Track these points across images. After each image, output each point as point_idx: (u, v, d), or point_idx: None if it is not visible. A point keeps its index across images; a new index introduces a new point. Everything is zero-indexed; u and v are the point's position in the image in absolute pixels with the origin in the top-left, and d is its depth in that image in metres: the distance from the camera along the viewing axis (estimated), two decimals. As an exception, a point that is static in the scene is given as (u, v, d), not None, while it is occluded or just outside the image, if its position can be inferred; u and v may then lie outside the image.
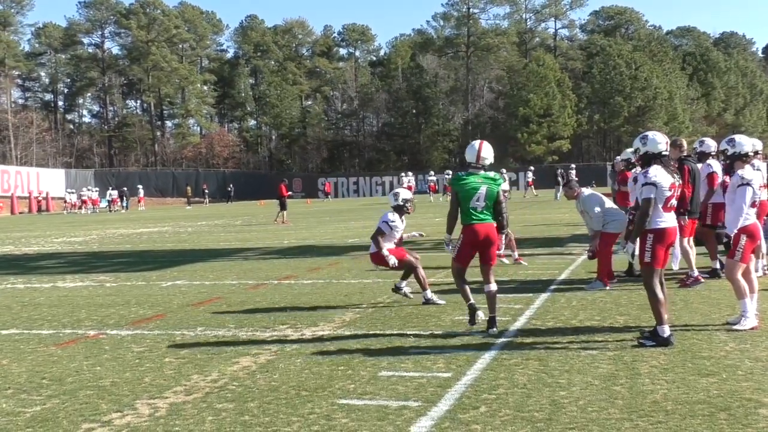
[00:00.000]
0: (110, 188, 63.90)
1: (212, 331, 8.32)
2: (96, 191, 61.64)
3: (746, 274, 7.55)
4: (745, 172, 7.57)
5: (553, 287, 10.49)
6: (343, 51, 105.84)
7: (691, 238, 10.61)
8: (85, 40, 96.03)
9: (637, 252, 6.94)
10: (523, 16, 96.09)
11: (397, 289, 9.57)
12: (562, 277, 11.51)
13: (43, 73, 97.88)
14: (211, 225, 31.36)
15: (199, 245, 20.95)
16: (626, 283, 10.54)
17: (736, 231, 7.46)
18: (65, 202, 59.44)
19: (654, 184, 6.83)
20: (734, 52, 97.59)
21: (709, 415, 4.91)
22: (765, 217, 11.58)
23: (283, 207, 30.18)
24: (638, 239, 6.89)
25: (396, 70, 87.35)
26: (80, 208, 57.86)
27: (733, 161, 7.70)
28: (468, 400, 5.43)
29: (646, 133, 7.23)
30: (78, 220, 44.19)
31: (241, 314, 9.34)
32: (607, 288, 10.15)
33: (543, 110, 76.84)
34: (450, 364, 6.45)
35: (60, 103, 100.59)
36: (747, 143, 7.72)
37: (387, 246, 9.38)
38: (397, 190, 9.97)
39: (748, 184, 7.47)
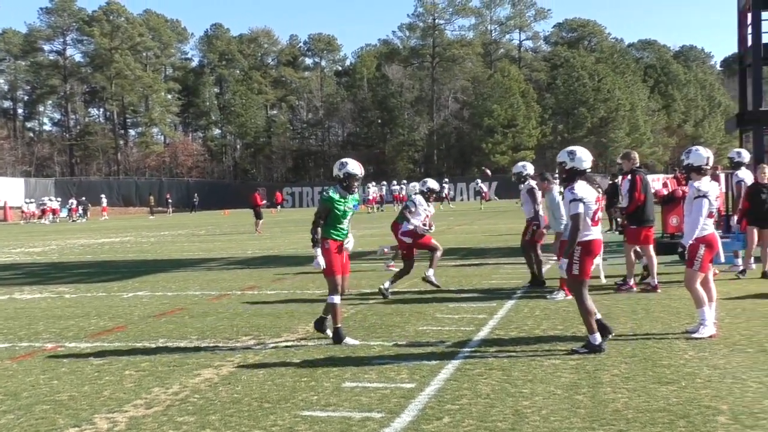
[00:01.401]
0: (71, 198, 62.98)
1: (174, 343, 8.22)
2: (58, 201, 60.64)
3: (705, 283, 7.66)
4: (702, 183, 7.68)
5: (516, 296, 10.55)
6: (308, 60, 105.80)
7: (651, 246, 10.84)
8: (46, 47, 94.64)
9: (566, 267, 7.05)
10: (488, 27, 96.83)
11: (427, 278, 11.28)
12: (526, 286, 11.57)
13: (2, 80, 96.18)
14: (175, 235, 31.06)
15: (161, 255, 20.72)
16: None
17: (693, 241, 7.56)
18: (22, 212, 58.47)
19: (581, 200, 7.01)
20: (693, 65, 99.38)
21: (668, 423, 4.96)
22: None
23: (258, 216, 29.98)
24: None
25: (361, 80, 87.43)
26: (40, 217, 56.93)
27: (689, 172, 7.81)
28: (431, 410, 5.43)
29: (574, 149, 7.33)
30: (37, 230, 43.48)
31: (204, 325, 9.24)
32: (569, 297, 10.22)
33: (507, 121, 77.42)
34: (414, 374, 6.45)
35: (19, 111, 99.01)
36: (704, 155, 7.82)
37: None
38: (425, 180, 12.21)
39: (704, 195, 7.58)
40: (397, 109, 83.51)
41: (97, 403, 5.97)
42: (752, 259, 12.33)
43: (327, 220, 7.87)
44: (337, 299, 7.83)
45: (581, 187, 7.07)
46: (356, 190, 8.08)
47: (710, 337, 7.39)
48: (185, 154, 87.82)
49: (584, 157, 7.21)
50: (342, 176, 7.96)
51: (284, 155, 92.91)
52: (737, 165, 12.56)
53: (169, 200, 64.90)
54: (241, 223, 38.75)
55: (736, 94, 34.32)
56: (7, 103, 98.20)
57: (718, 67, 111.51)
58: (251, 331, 8.77)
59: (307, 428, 5.15)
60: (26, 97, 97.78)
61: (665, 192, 16.45)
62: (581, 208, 6.98)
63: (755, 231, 11.70)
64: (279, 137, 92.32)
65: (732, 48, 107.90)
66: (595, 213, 7.10)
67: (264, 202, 32.87)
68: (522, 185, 11.97)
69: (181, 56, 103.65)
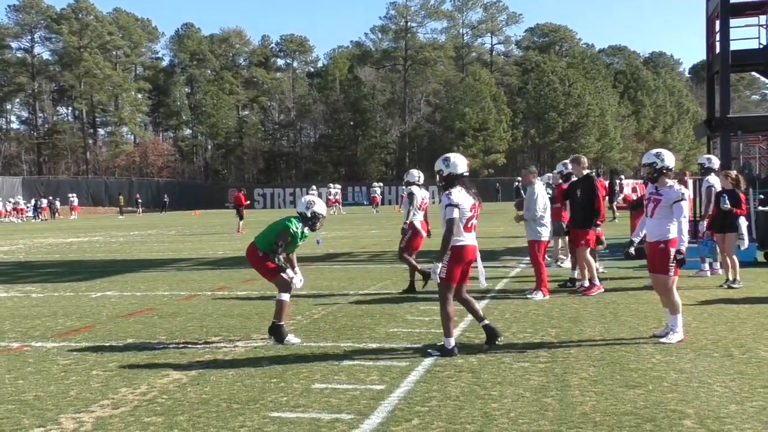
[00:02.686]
0: (39, 197, 62.09)
1: (142, 343, 8.15)
2: (26, 203, 59.63)
3: (673, 288, 7.74)
4: (681, 186, 7.77)
5: (487, 299, 10.59)
6: (280, 61, 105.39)
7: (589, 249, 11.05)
8: (14, 45, 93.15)
9: (439, 271, 7.07)
10: (460, 31, 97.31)
11: None
12: (496, 288, 11.63)
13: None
14: (144, 235, 30.78)
15: (131, 255, 20.52)
16: (559, 296, 10.72)
17: (663, 246, 7.61)
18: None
19: (456, 206, 7.11)
20: (662, 71, 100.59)
21: (635, 426, 5.01)
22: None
23: (240, 216, 29.80)
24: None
25: (334, 81, 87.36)
26: (6, 216, 56.08)
27: (659, 175, 7.87)
28: (401, 412, 5.43)
29: (449, 155, 7.48)
30: (3, 228, 42.86)
31: (173, 326, 9.17)
32: (546, 297, 10.39)
33: (479, 124, 77.79)
34: (384, 376, 6.45)
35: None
36: (671, 158, 7.92)
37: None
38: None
39: (684, 198, 7.65)
40: (369, 111, 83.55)
41: (63, 403, 5.90)
42: (719, 264, 12.50)
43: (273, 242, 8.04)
44: (286, 297, 7.94)
45: (457, 194, 7.16)
46: (318, 227, 8.19)
47: (678, 341, 7.47)
48: (155, 154, 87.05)
49: (458, 162, 7.34)
50: (309, 215, 8.06)
51: (256, 156, 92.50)
52: (707, 171, 12.70)
53: (139, 200, 64.28)
54: (211, 223, 38.53)
55: (704, 101, 34.79)
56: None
57: (686, 73, 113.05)
58: (221, 331, 8.71)
59: (276, 429, 5.12)
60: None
61: (634, 197, 16.62)
62: (456, 213, 7.07)
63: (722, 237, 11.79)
64: (250, 138, 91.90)
65: (700, 55, 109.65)
66: (469, 220, 7.19)
67: (248, 202, 32.64)
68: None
69: (151, 55, 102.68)
